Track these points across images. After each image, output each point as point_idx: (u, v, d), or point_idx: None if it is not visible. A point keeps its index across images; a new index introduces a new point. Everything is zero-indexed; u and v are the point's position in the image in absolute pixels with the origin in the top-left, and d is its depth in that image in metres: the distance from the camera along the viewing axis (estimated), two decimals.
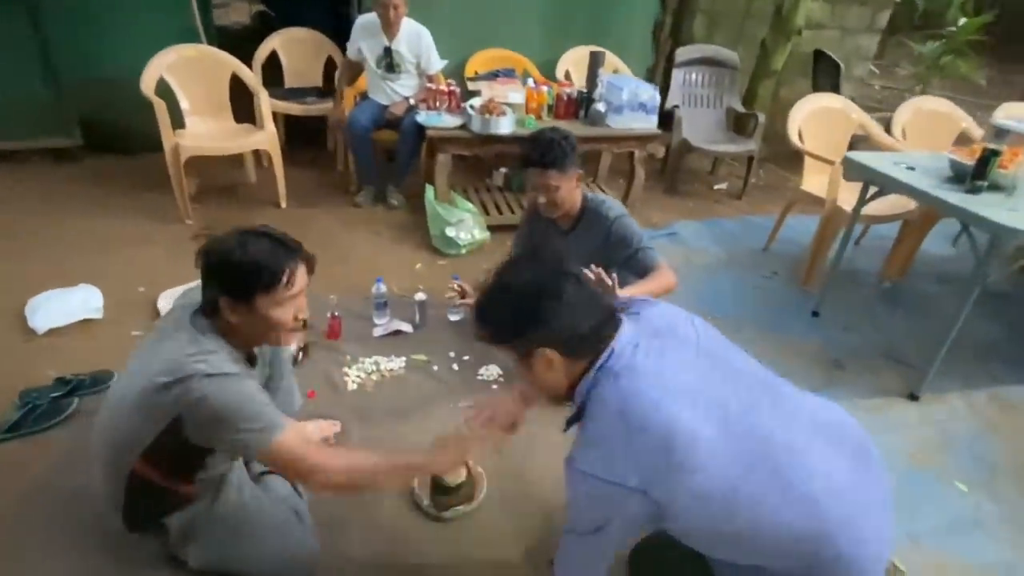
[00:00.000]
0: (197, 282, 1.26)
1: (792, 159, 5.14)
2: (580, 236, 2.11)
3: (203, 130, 3.26)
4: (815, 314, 2.79)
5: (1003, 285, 2.97)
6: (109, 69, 3.46)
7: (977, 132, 3.21)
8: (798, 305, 2.87)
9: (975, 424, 2.21)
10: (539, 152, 1.91)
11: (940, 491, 1.91)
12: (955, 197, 2.03)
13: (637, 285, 1.88)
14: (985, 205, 1.95)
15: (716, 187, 4.36)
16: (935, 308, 2.98)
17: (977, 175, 2.03)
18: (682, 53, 4.19)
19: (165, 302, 2.39)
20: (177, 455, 1.23)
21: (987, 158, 2.00)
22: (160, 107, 2.88)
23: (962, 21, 6.39)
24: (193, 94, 3.29)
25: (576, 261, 2.12)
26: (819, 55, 4.45)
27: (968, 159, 2.14)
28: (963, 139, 3.20)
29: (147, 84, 2.97)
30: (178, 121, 3.14)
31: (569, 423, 1.15)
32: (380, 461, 1.29)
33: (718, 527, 1.01)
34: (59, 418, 1.83)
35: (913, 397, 2.29)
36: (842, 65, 4.20)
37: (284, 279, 1.20)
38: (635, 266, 1.99)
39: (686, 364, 1.06)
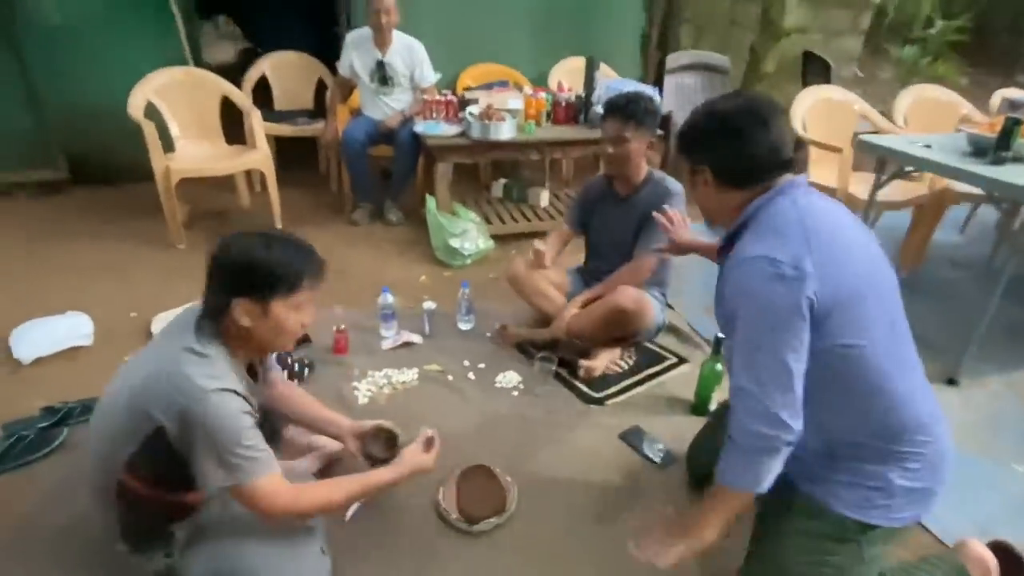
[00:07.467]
0: (193, 303, 1.21)
1: None
2: (634, 204, 2.14)
3: (194, 153, 3.18)
4: None
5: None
6: (95, 99, 3.39)
7: (979, 117, 3.19)
8: None
9: (1020, 405, 2.11)
10: (624, 100, 2.01)
11: (999, 475, 1.79)
12: (982, 169, 1.97)
13: (620, 272, 2.11)
14: (1016, 175, 1.89)
15: None
16: (956, 293, 2.92)
17: (1001, 146, 1.98)
18: (673, 59, 4.19)
19: (160, 326, 2.26)
20: (165, 463, 1.11)
21: (1010, 127, 1.94)
22: (149, 128, 2.79)
23: (939, 24, 6.53)
24: (183, 118, 3.21)
25: (624, 228, 2.12)
26: (808, 57, 4.46)
27: (987, 132, 2.10)
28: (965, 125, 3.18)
29: (135, 107, 2.88)
30: (168, 146, 3.04)
31: (727, 240, 1.19)
32: (351, 489, 1.28)
33: (847, 365, 1.07)
34: (47, 449, 1.68)
35: (952, 382, 2.19)
36: (832, 64, 4.21)
37: (306, 283, 1.17)
38: (648, 240, 2.08)
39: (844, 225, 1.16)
